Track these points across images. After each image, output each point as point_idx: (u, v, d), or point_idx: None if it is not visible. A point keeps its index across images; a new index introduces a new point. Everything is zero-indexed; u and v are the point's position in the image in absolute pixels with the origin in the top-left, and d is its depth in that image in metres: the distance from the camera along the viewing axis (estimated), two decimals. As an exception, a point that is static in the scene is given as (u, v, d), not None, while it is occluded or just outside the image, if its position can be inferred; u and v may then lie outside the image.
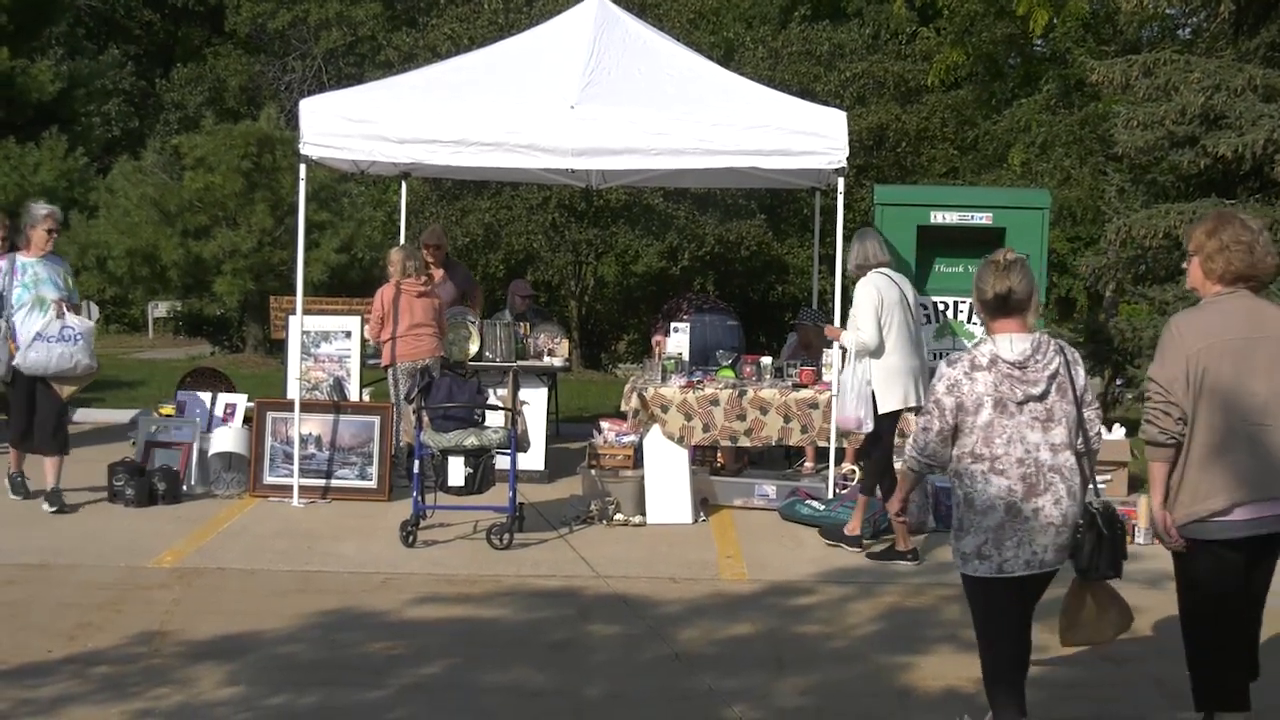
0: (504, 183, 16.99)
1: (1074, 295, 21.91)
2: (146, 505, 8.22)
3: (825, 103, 11.73)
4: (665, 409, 8.21)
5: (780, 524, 8.08)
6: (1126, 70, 10.64)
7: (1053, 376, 4.12)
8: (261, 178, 16.66)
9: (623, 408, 8.49)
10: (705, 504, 8.38)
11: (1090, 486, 4.23)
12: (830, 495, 8.14)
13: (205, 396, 9.42)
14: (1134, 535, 7.48)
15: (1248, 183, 10.36)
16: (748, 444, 8.47)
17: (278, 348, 13.94)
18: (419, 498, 7.51)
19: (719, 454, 8.98)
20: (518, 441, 7.62)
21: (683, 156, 8.20)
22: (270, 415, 8.74)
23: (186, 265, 16.70)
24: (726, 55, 18.38)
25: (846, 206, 8.38)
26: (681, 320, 9.71)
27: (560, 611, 6.20)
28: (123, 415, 11.18)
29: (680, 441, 8.20)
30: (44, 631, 5.70)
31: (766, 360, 8.87)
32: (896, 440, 7.40)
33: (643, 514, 8.07)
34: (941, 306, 9.23)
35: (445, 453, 7.41)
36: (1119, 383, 10.86)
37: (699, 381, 8.46)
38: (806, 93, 15.35)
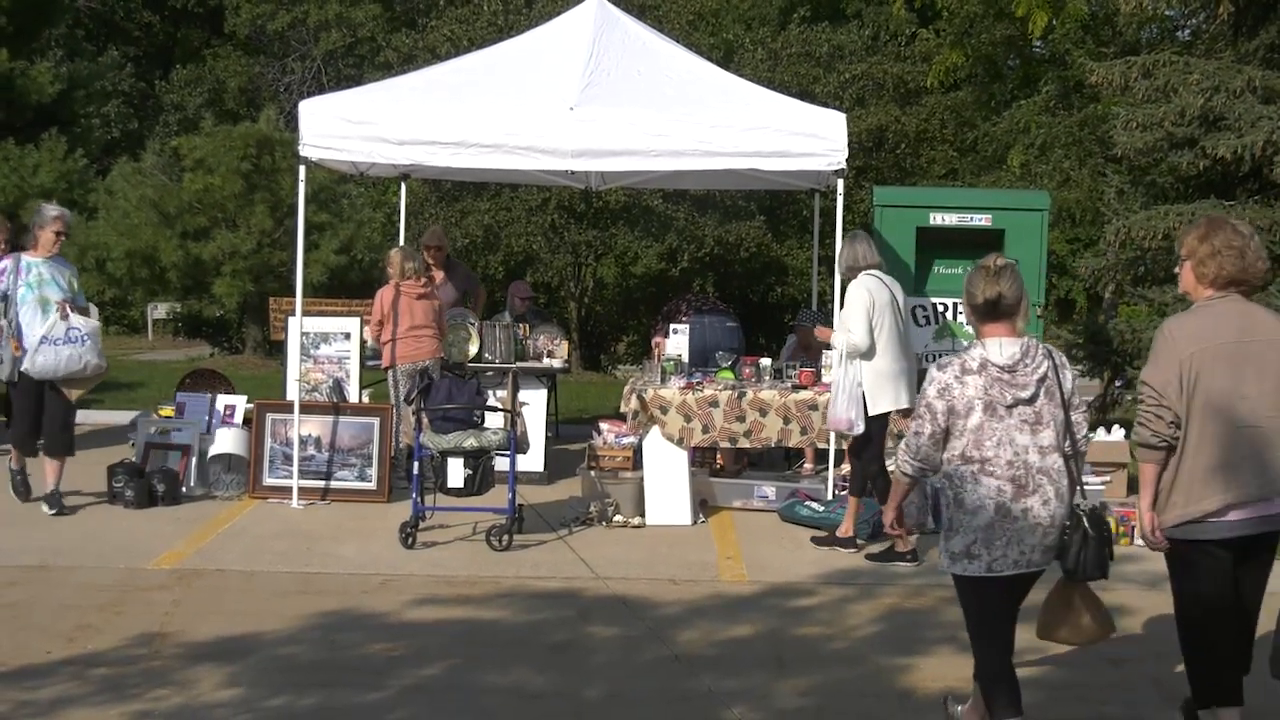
0: (503, 184, 16.99)
1: (1073, 297, 21.92)
2: (146, 506, 8.22)
3: (824, 104, 11.74)
4: (665, 410, 8.21)
5: (780, 525, 8.09)
6: (1126, 72, 10.63)
7: (1041, 380, 4.18)
8: (261, 179, 16.65)
9: (622, 409, 8.49)
10: (705, 505, 8.38)
11: (1078, 488, 4.29)
12: (830, 496, 8.14)
13: (205, 398, 9.41)
14: (1133, 537, 7.49)
15: (1247, 184, 10.35)
16: (747, 445, 8.47)
17: (277, 349, 13.93)
18: (418, 499, 7.51)
19: (718, 455, 8.98)
20: (517, 443, 7.62)
21: (682, 158, 8.20)
22: (270, 417, 8.74)
23: (186, 267, 16.69)
24: (726, 57, 18.38)
25: (846, 208, 8.38)
26: (681, 322, 9.71)
27: (560, 613, 6.20)
28: (122, 417, 11.19)
29: (680, 443, 8.20)
30: (43, 633, 5.70)
31: (766, 362, 8.87)
32: (889, 443, 7.42)
33: (642, 515, 8.07)
34: (941, 308, 9.23)
35: (445, 454, 7.41)
36: (1118, 384, 10.85)
37: (698, 383, 8.46)
38: (806, 94, 15.36)
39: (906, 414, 7.32)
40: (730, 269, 20.15)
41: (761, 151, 8.17)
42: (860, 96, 20.49)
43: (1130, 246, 10.17)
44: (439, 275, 10.05)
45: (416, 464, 7.58)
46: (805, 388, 8.39)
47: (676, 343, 9.06)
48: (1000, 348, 4.20)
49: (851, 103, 19.35)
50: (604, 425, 8.62)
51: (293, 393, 8.84)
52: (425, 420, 7.52)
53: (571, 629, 5.96)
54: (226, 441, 8.85)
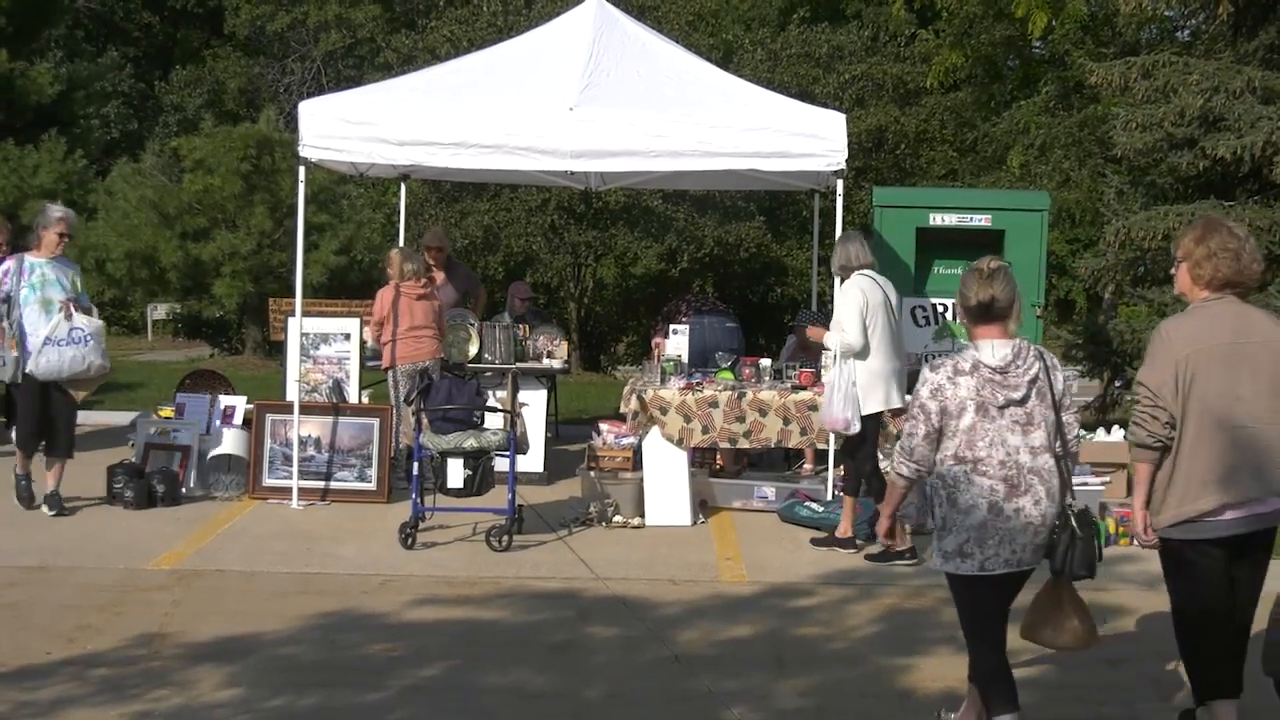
0: (503, 185, 16.99)
1: (1073, 297, 21.94)
2: (146, 507, 8.22)
3: (824, 105, 11.75)
4: (664, 411, 8.21)
5: (779, 526, 8.09)
6: (1125, 72, 10.64)
7: (1033, 381, 4.23)
8: (260, 180, 16.65)
9: (622, 409, 8.49)
10: (704, 506, 8.38)
11: (1069, 489, 4.32)
12: (829, 497, 8.14)
13: (204, 398, 9.41)
14: (1133, 538, 7.47)
15: (1246, 184, 10.36)
16: (747, 446, 8.47)
17: (277, 350, 13.92)
18: (418, 499, 7.51)
19: (718, 456, 8.98)
20: (517, 443, 7.62)
21: (682, 159, 8.20)
22: (269, 417, 8.75)
23: (185, 267, 16.68)
24: (725, 57, 18.38)
25: (846, 209, 8.38)
26: (680, 322, 9.71)
27: (560, 613, 6.20)
28: (122, 417, 11.18)
29: (679, 443, 8.20)
30: (43, 633, 5.70)
31: (766, 362, 8.87)
32: (885, 443, 7.44)
33: (642, 516, 8.07)
34: (940, 308, 9.24)
35: (444, 454, 7.41)
36: (1118, 384, 10.87)
37: (698, 383, 8.46)
38: (805, 95, 15.36)
39: (897, 414, 7.37)
40: (730, 269, 20.16)
41: (761, 152, 8.17)
42: (860, 97, 20.50)
43: (1130, 247, 10.18)
44: (439, 276, 10.05)
45: (416, 464, 7.58)
46: (805, 388, 8.39)
47: (676, 343, 9.06)
48: (993, 349, 4.24)
49: (851, 103, 19.35)
50: (604, 426, 8.62)
51: (292, 393, 8.84)
52: (425, 421, 7.52)
53: (571, 629, 5.96)
54: (226, 442, 8.86)
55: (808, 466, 9.22)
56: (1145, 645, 5.71)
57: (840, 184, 8.32)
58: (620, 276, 20.92)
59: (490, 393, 8.33)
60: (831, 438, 8.11)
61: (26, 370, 7.82)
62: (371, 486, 8.63)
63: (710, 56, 13.74)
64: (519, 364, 9.39)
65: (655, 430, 8.20)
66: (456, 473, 7.40)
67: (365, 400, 9.62)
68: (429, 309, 8.96)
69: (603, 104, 8.21)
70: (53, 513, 7.91)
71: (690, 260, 19.12)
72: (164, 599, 6.29)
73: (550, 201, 17.81)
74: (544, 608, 6.29)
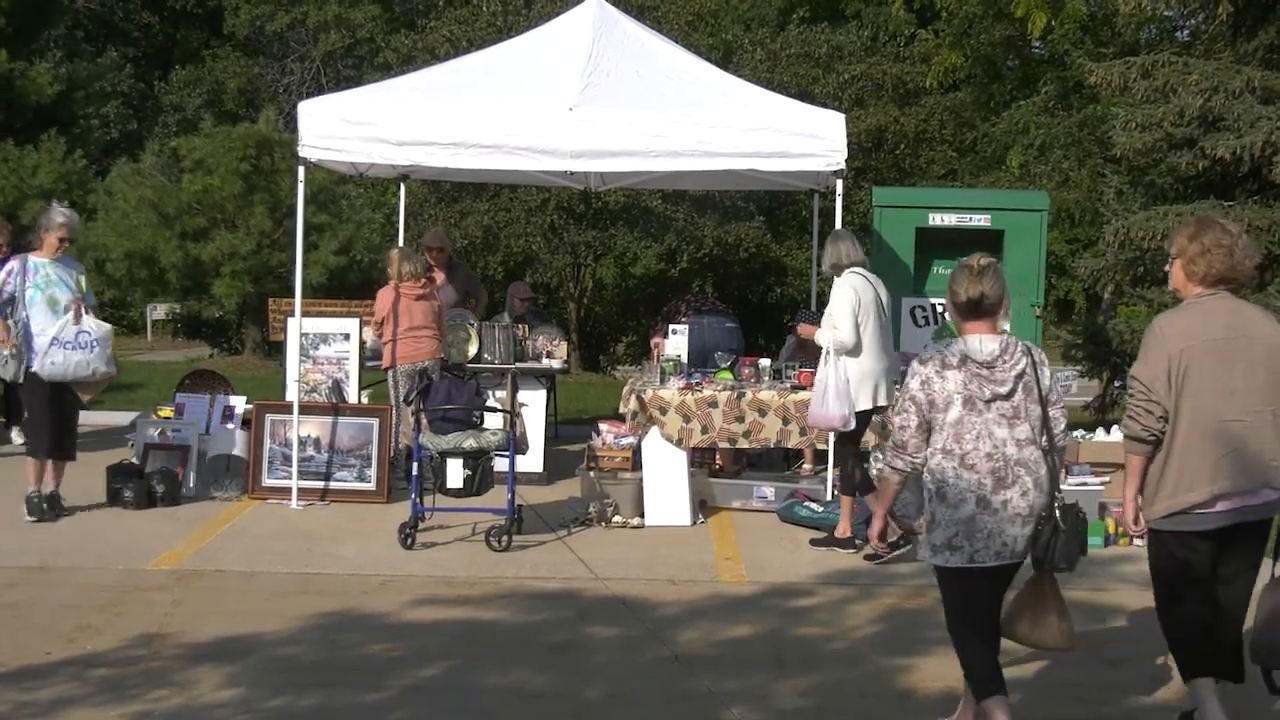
0: (503, 185, 16.99)
1: (1072, 297, 21.96)
2: (145, 507, 8.22)
3: (824, 105, 11.75)
4: (664, 411, 8.21)
5: (779, 526, 8.09)
6: (1125, 72, 10.65)
7: (1019, 376, 4.30)
8: (260, 180, 16.65)
9: (621, 410, 8.48)
10: (704, 506, 8.38)
11: (1058, 483, 4.39)
12: (829, 497, 8.14)
13: (204, 398, 9.42)
14: (1132, 537, 7.47)
15: (1246, 184, 10.36)
16: (746, 446, 8.47)
17: (276, 350, 13.94)
18: (417, 500, 7.51)
19: (717, 456, 8.98)
20: (516, 443, 7.62)
21: (681, 159, 8.20)
22: (269, 417, 8.75)
23: (185, 267, 16.68)
24: (725, 57, 18.38)
25: (845, 208, 8.38)
26: (680, 322, 9.71)
27: (559, 613, 6.20)
28: (122, 418, 11.18)
29: (679, 443, 8.20)
30: (43, 633, 5.70)
31: (765, 362, 8.87)
32: (875, 439, 7.47)
33: (641, 516, 8.07)
34: (940, 308, 9.24)
35: (444, 455, 7.41)
36: (1117, 384, 10.86)
37: (697, 383, 8.46)
38: (805, 95, 15.36)
39: (879, 411, 7.42)
40: (729, 269, 20.16)
41: (761, 152, 8.17)
42: (859, 97, 20.51)
43: (1129, 247, 10.18)
44: (439, 276, 10.04)
45: (416, 464, 7.58)
46: (804, 388, 8.38)
47: (676, 343, 9.06)
48: (980, 344, 4.32)
49: (850, 103, 19.36)
50: (603, 426, 8.62)
51: (292, 393, 8.84)
52: (424, 421, 7.52)
53: (571, 629, 5.96)
54: (226, 442, 8.86)
55: (807, 466, 9.22)
56: (1145, 645, 5.70)
57: (840, 184, 8.32)
58: (620, 276, 20.92)
59: (490, 393, 8.33)
60: (831, 437, 8.11)
61: (33, 369, 7.76)
62: (371, 487, 8.63)
63: (710, 56, 13.74)
64: (518, 364, 9.39)
65: (654, 430, 8.20)
66: (456, 473, 7.40)
67: (365, 400, 9.62)
68: (428, 309, 8.95)
69: (602, 104, 8.21)
70: (53, 514, 7.90)
71: (690, 260, 19.12)
72: (164, 599, 6.29)
73: (550, 201, 17.81)
74: (544, 608, 6.29)
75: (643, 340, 19.00)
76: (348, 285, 16.34)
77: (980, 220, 9.42)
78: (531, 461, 8.92)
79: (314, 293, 14.38)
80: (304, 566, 6.96)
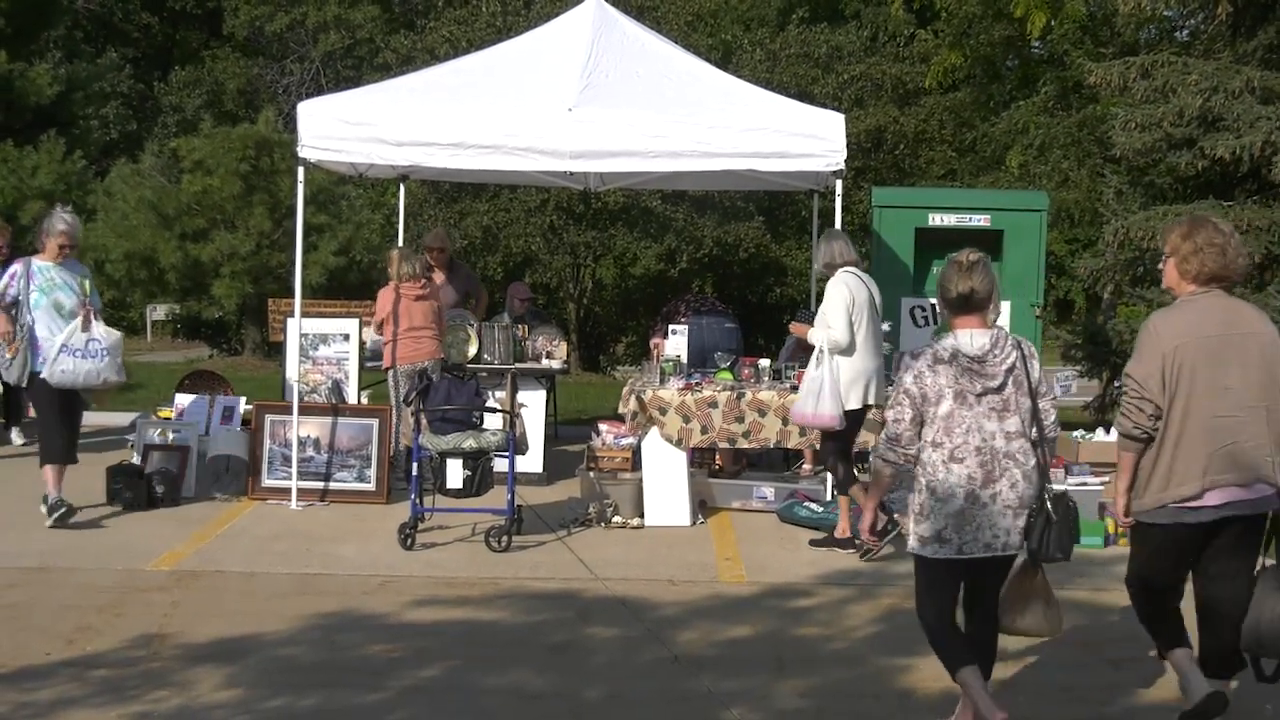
0: (502, 185, 16.99)
1: (1072, 297, 21.98)
2: (145, 508, 8.22)
3: (823, 105, 11.75)
4: (663, 411, 8.21)
5: (779, 526, 8.09)
6: (1124, 72, 10.66)
7: (1009, 370, 4.37)
8: (260, 180, 16.66)
9: (621, 410, 8.48)
10: (704, 506, 8.38)
11: (1048, 474, 4.45)
12: (829, 497, 8.14)
13: (204, 399, 9.42)
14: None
15: (1245, 184, 10.38)
16: (746, 446, 8.47)
17: (276, 350, 13.94)
18: (417, 500, 7.51)
19: (717, 456, 8.98)
20: (516, 444, 7.61)
21: (681, 159, 8.20)
22: (269, 418, 8.74)
23: (185, 268, 16.69)
24: (724, 58, 18.39)
25: (845, 209, 8.38)
26: (680, 322, 9.71)
27: (559, 614, 6.20)
28: (122, 418, 11.18)
29: (678, 444, 8.20)
30: (43, 634, 5.70)
31: (765, 362, 8.87)
32: (875, 439, 7.48)
33: (641, 516, 8.07)
34: (940, 308, 9.24)
35: (444, 455, 7.41)
36: (1117, 384, 10.86)
37: (697, 384, 8.46)
38: (804, 95, 15.37)
39: (868, 410, 7.44)
40: (729, 270, 20.17)
41: (760, 152, 8.17)
42: (859, 97, 20.52)
43: (1129, 247, 10.19)
44: (439, 277, 10.04)
45: (415, 465, 7.58)
46: (804, 388, 8.38)
47: (675, 343, 9.07)
48: (971, 338, 4.39)
49: (850, 103, 19.37)
50: (603, 426, 8.62)
51: (291, 394, 8.84)
52: (424, 421, 7.52)
53: (571, 630, 5.96)
54: (225, 443, 8.85)
55: (807, 467, 9.22)
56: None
57: (839, 184, 8.32)
58: (619, 277, 20.93)
59: (489, 393, 8.33)
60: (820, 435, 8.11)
61: (42, 376, 7.62)
62: (370, 487, 8.63)
63: (709, 57, 13.75)
64: (518, 364, 9.39)
65: (654, 431, 8.20)
66: (455, 473, 7.40)
67: (364, 401, 9.62)
68: (428, 309, 8.95)
69: (602, 104, 8.21)
70: (69, 516, 7.86)
71: (689, 260, 19.13)
72: (163, 600, 6.29)
73: (549, 202, 17.81)
74: (543, 608, 6.28)
75: (642, 340, 19.00)
76: (347, 286, 16.35)
77: (980, 220, 9.43)
78: (531, 462, 8.92)
79: (313, 293, 14.39)
80: (304, 567, 6.96)
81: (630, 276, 20.82)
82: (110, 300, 19.41)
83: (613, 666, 5.48)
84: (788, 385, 8.52)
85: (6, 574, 6.67)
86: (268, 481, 8.65)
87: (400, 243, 11.18)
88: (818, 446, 8.58)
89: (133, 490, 8.23)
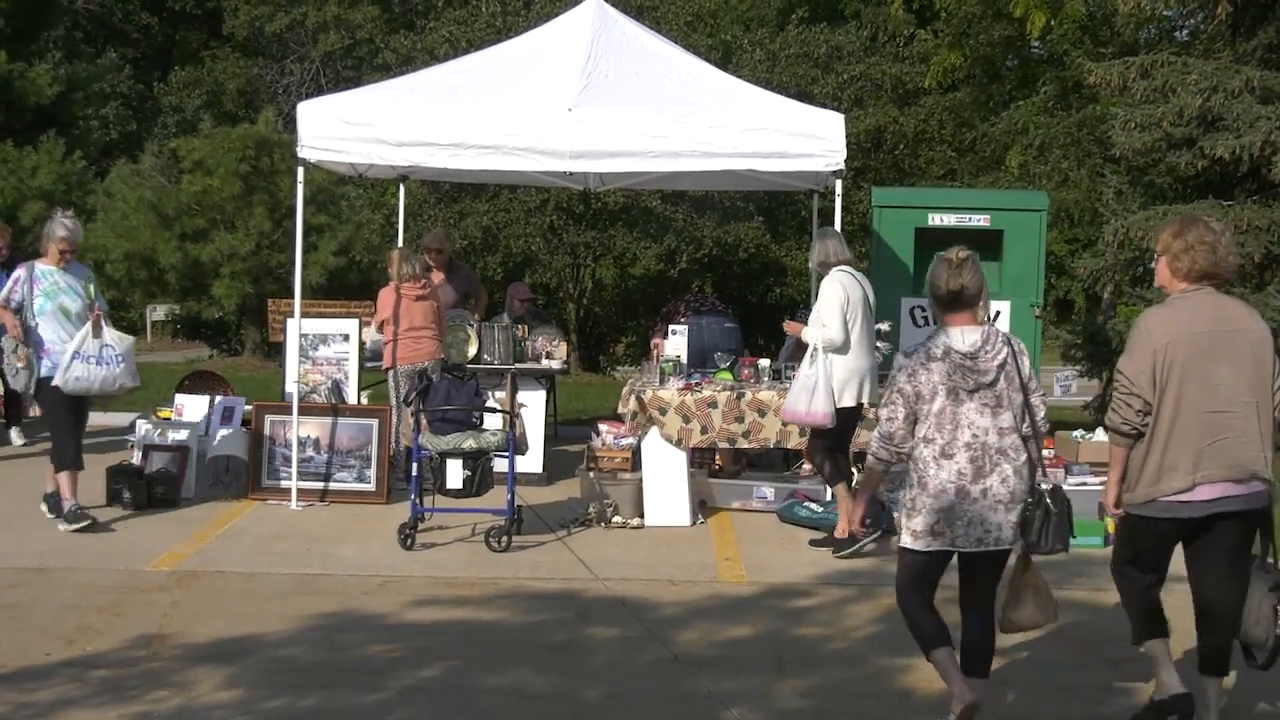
0: (502, 185, 17.00)
1: (1072, 297, 21.98)
2: (145, 508, 8.22)
3: (823, 105, 11.75)
4: (663, 411, 8.21)
5: (779, 526, 8.09)
6: (1124, 72, 10.66)
7: (1001, 366, 4.42)
8: (259, 181, 16.67)
9: (621, 410, 8.49)
10: (703, 506, 8.38)
11: (1040, 468, 4.50)
12: (829, 497, 8.14)
13: (204, 399, 9.41)
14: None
15: (1245, 184, 10.38)
16: (746, 446, 8.47)
17: (276, 350, 13.94)
18: (417, 500, 7.51)
19: (717, 456, 8.97)
20: (516, 444, 7.62)
21: (681, 159, 8.20)
22: (268, 418, 8.74)
23: (184, 268, 16.70)
24: (724, 58, 18.39)
25: (844, 209, 8.38)
26: (680, 322, 9.71)
27: (559, 614, 6.20)
28: (122, 418, 11.18)
29: (678, 444, 8.20)
30: (43, 634, 5.70)
31: (765, 362, 8.87)
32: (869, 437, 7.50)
33: (641, 516, 8.07)
34: (939, 308, 9.23)
35: (443, 455, 7.41)
36: (1117, 384, 10.86)
37: (697, 384, 8.46)
38: (804, 95, 15.37)
39: (862, 408, 7.45)
40: (729, 270, 20.17)
41: (760, 152, 8.17)
42: (859, 97, 20.52)
43: (1128, 247, 10.19)
44: (438, 277, 10.04)
45: (415, 465, 7.58)
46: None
47: (675, 344, 9.07)
48: (963, 335, 4.45)
49: (850, 103, 19.38)
50: (603, 426, 8.62)
51: (291, 394, 8.83)
52: (424, 421, 7.52)
53: (571, 630, 5.96)
54: (225, 443, 8.85)
55: (807, 467, 9.21)
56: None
57: (839, 184, 8.32)
58: (619, 277, 20.93)
59: (489, 393, 8.33)
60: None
61: (54, 383, 7.54)
62: (370, 487, 8.63)
63: (709, 57, 13.75)
64: (518, 365, 9.39)
65: (654, 431, 8.20)
66: (455, 473, 7.40)
67: (364, 401, 9.62)
68: (428, 310, 8.95)
69: (601, 104, 8.21)
70: (52, 515, 7.88)
71: (689, 261, 19.13)
72: (163, 600, 6.29)
73: (549, 202, 17.82)
74: (543, 608, 6.29)
75: (642, 341, 19.00)
76: (347, 286, 16.35)
77: (979, 220, 9.43)
78: (531, 462, 8.92)
79: (313, 293, 14.40)
80: (304, 567, 6.96)
81: (630, 277, 20.83)
82: (110, 300, 19.43)
83: (613, 666, 5.48)
84: (787, 385, 8.50)
85: (6, 574, 6.68)
86: (267, 482, 8.65)
87: (400, 243, 11.18)
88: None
89: (133, 490, 8.23)
